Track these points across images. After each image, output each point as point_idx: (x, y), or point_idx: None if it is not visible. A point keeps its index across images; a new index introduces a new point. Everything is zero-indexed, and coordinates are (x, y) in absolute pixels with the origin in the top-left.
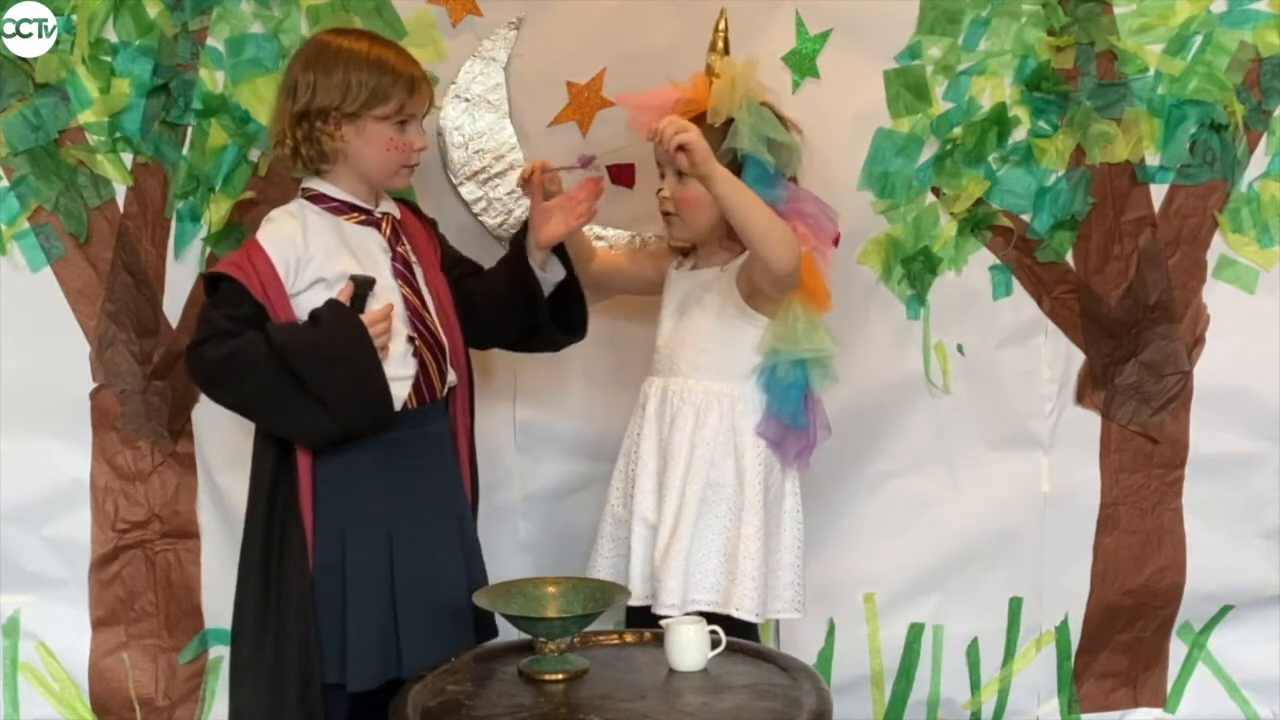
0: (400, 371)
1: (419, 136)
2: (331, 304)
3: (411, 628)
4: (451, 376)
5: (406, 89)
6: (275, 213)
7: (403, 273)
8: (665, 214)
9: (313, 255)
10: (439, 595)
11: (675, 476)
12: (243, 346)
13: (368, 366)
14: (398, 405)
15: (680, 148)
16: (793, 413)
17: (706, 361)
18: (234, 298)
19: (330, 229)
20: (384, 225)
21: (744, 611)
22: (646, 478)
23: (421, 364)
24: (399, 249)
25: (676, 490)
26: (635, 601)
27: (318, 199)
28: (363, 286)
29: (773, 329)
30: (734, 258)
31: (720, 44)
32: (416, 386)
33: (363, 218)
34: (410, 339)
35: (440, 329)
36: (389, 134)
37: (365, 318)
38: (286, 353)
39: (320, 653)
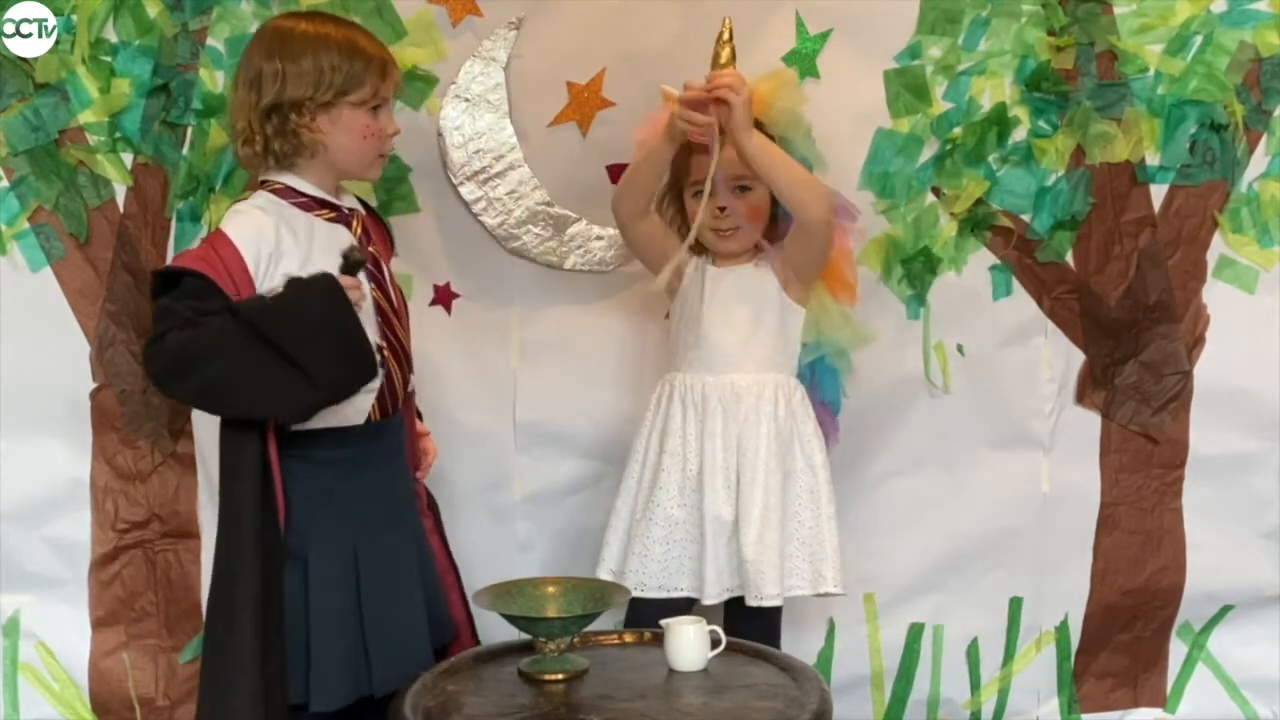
0: (363, 302)
1: (391, 121)
2: (307, 276)
3: (380, 644)
4: (412, 384)
5: (379, 72)
6: (242, 206)
7: (374, 274)
8: (721, 230)
9: (284, 252)
10: (405, 610)
11: (756, 470)
12: (201, 333)
13: (348, 325)
14: (361, 419)
15: (723, 100)
16: (835, 398)
17: (764, 354)
18: (201, 292)
19: (304, 226)
20: (354, 223)
21: (837, 585)
22: (716, 474)
23: (387, 374)
24: (370, 249)
25: (760, 483)
26: (712, 599)
27: (285, 193)
28: (355, 266)
29: (814, 319)
30: (761, 255)
31: (726, 55)
32: (380, 398)
33: (333, 214)
34: (379, 348)
35: (404, 336)
36: (364, 120)
37: (343, 279)
38: (261, 321)
39: (283, 672)
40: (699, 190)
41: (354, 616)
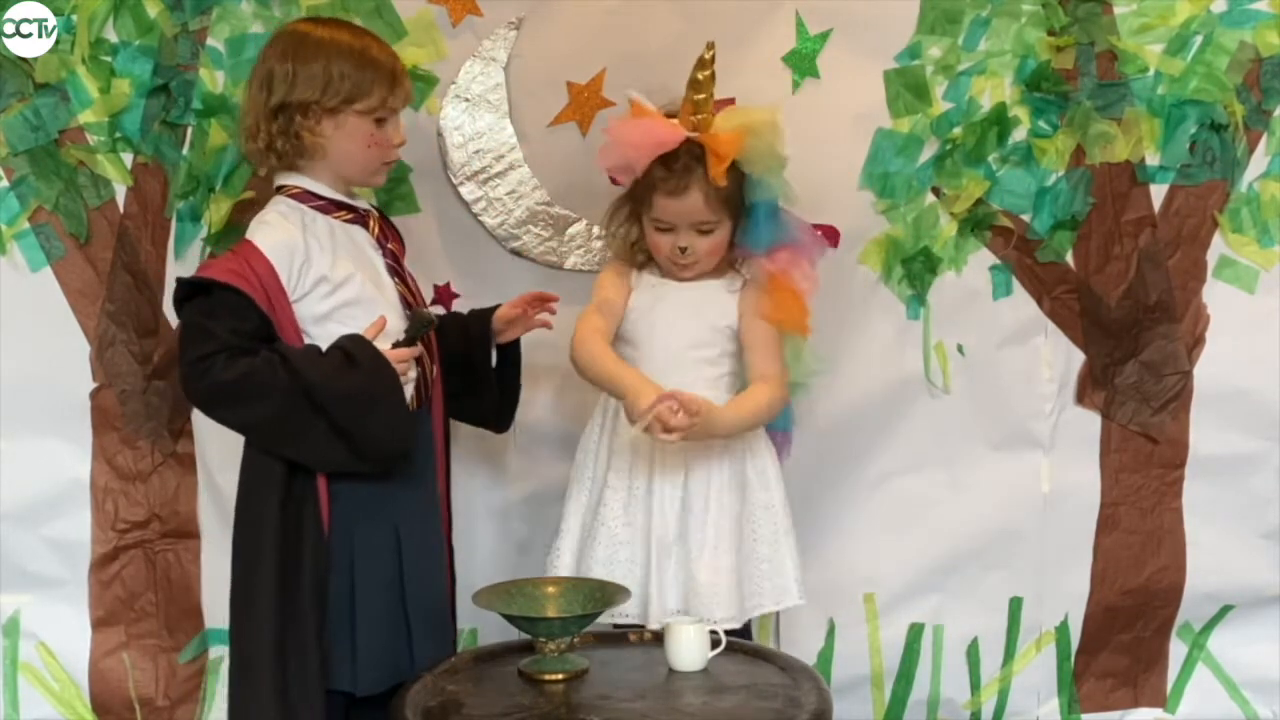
0: (410, 374)
1: (397, 132)
2: (365, 346)
3: (421, 626)
4: (434, 372)
5: (388, 83)
6: (269, 215)
7: (397, 270)
8: (680, 264)
9: (313, 257)
10: (438, 593)
11: (709, 490)
12: (259, 369)
13: (400, 417)
14: None
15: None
16: (784, 422)
17: (717, 372)
18: (237, 310)
19: (325, 228)
20: (371, 223)
21: (801, 596)
22: (665, 493)
23: (420, 365)
24: (389, 246)
25: (713, 504)
26: (655, 624)
27: (303, 197)
28: (424, 325)
29: None
30: (726, 271)
31: (705, 74)
32: (416, 388)
33: (351, 216)
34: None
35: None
36: (369, 129)
37: (396, 354)
38: (318, 392)
39: (322, 661)
40: (659, 226)
41: (397, 598)
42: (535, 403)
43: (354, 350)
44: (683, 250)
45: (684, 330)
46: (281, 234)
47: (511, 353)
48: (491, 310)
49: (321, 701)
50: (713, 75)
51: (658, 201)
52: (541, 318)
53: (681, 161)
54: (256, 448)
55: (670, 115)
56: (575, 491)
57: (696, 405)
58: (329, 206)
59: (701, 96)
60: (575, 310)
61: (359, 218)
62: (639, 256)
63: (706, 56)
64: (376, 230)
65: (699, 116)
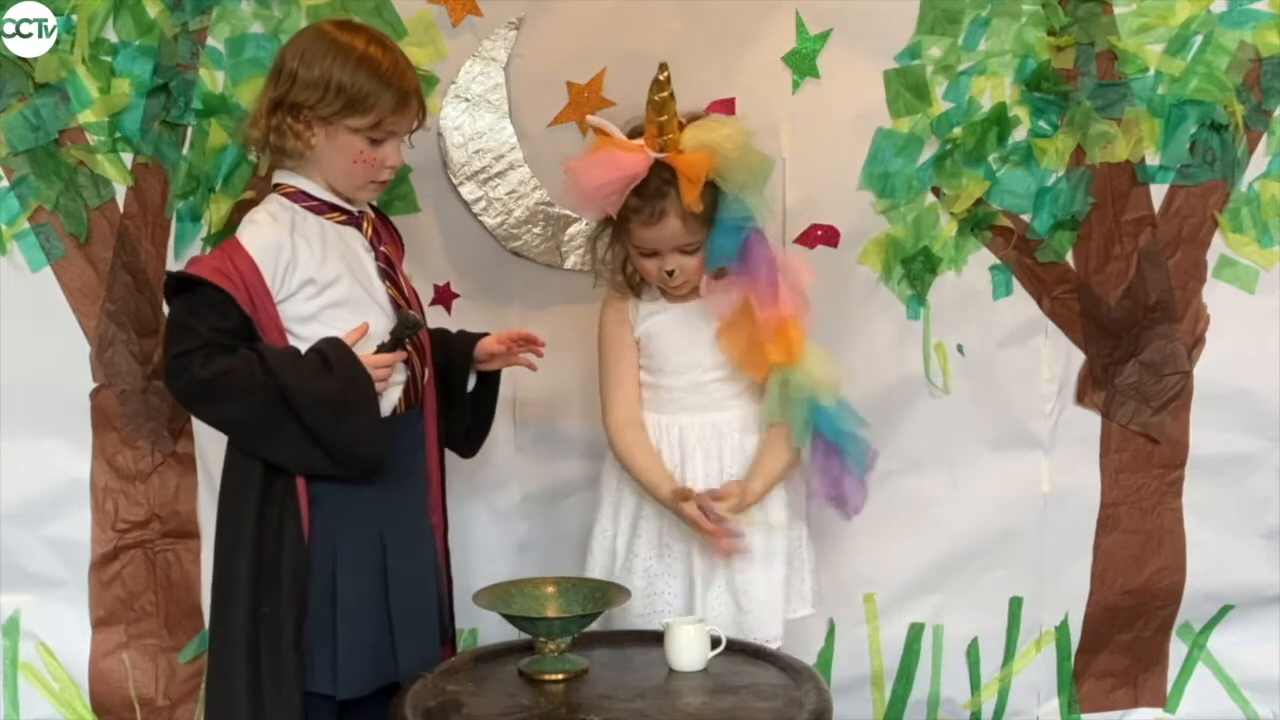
0: (393, 378)
1: (394, 154)
2: (343, 352)
3: (406, 631)
4: (426, 375)
5: (392, 105)
6: (258, 214)
7: (388, 273)
8: (672, 286)
9: (300, 258)
10: (426, 597)
11: (751, 509)
12: (235, 368)
13: (372, 425)
14: (387, 410)
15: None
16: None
17: (740, 386)
18: (219, 307)
19: (316, 230)
20: (365, 225)
21: (810, 606)
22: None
23: (410, 368)
24: (381, 249)
25: (759, 521)
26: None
27: (297, 196)
28: (409, 328)
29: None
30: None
31: (663, 95)
32: (405, 391)
33: (344, 217)
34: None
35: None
36: (359, 146)
37: (376, 359)
38: (292, 394)
39: (299, 662)
40: (642, 252)
41: (381, 603)
42: (535, 403)
43: (331, 354)
44: (670, 274)
45: (697, 358)
46: (268, 233)
47: (491, 381)
48: (476, 337)
49: (298, 703)
50: (671, 95)
51: (635, 231)
52: (526, 359)
53: (653, 186)
54: (237, 447)
55: (635, 134)
56: (601, 518)
57: (725, 492)
58: (322, 207)
59: (664, 118)
60: (575, 310)
61: (353, 219)
62: (635, 278)
63: (661, 78)
64: (370, 232)
65: (665, 137)
